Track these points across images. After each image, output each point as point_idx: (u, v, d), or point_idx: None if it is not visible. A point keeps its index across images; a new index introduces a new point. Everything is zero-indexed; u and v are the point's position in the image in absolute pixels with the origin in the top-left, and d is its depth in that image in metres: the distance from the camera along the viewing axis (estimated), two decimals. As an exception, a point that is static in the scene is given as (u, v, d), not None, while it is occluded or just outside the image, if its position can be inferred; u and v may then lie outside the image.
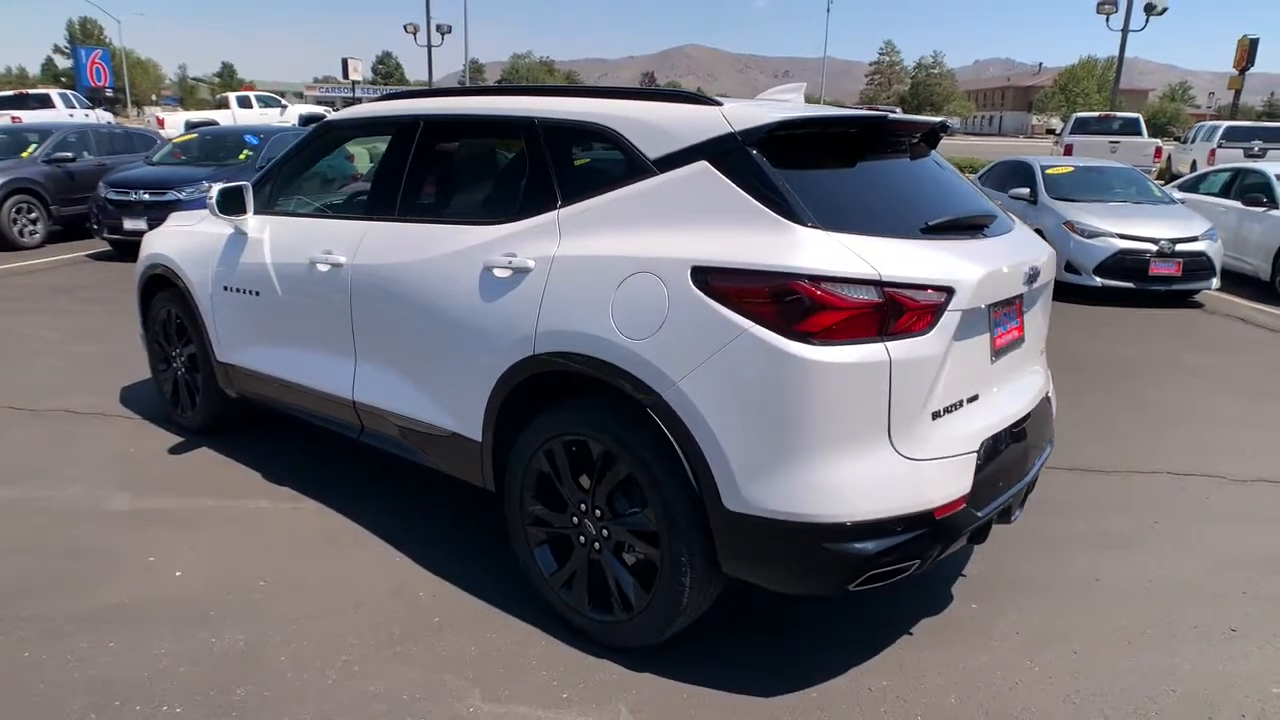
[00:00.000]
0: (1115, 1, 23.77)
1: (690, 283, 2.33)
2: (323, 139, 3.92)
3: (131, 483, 3.93)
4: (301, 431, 4.51)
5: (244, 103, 30.27)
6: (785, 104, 3.06)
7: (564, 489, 2.73)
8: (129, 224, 9.47)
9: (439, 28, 34.27)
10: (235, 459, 4.23)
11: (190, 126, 14.34)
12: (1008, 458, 2.62)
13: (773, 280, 2.23)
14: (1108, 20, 24.33)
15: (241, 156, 10.43)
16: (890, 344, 2.24)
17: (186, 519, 3.60)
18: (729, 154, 2.45)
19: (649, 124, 2.62)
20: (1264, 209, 9.69)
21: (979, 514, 2.46)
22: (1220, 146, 19.66)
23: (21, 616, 2.85)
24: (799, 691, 2.54)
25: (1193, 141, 22.18)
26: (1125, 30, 24.13)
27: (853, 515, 2.24)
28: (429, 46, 33.94)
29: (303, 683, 2.53)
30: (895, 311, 2.24)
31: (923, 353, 2.29)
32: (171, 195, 9.41)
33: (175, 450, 4.34)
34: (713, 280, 2.30)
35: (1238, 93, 26.73)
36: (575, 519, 2.73)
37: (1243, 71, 25.14)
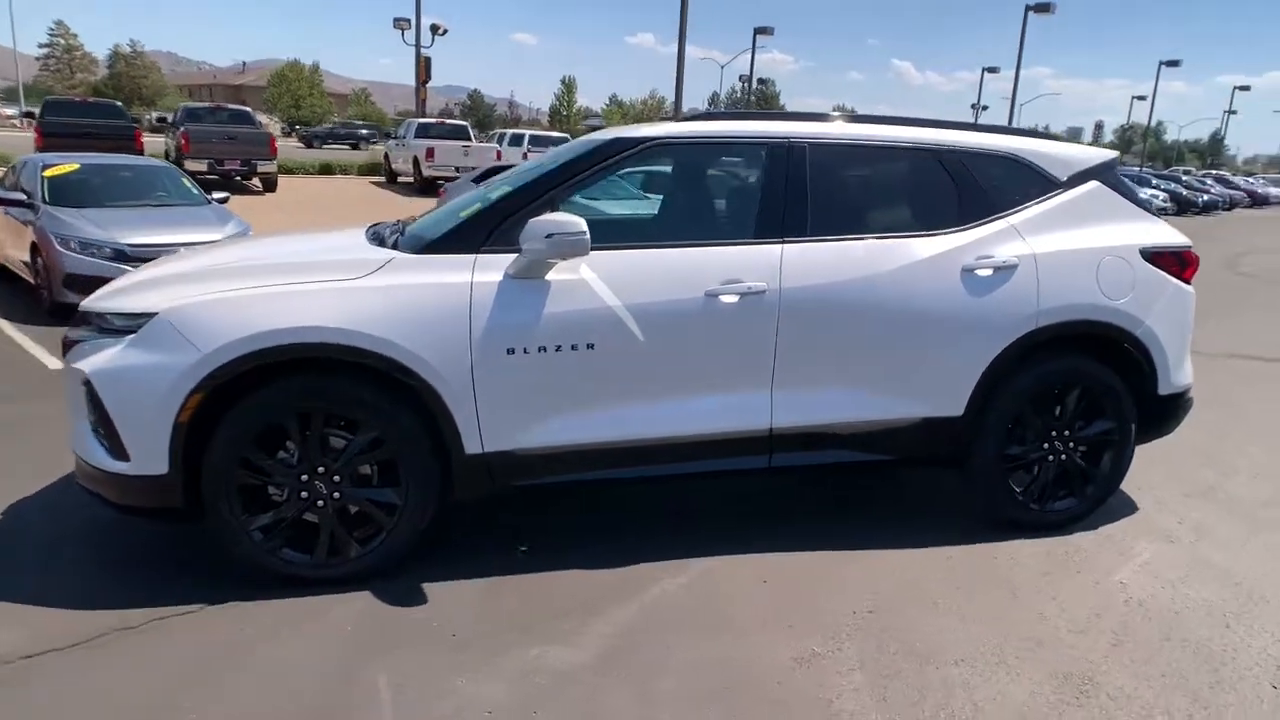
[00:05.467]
0: (409, 20, 26.84)
1: (1142, 259, 3.65)
2: (635, 159, 3.36)
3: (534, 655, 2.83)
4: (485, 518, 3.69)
5: None
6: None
7: (1039, 423, 3.66)
8: None
9: None
10: (512, 573, 3.27)
11: None
12: None
13: (1178, 252, 3.75)
14: (404, 35, 27.29)
15: None
16: None
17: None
18: (1107, 175, 3.79)
19: (1052, 155, 3.72)
20: None
21: None
22: (529, 150, 24.86)
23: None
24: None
25: (404, 139, 23.14)
26: (418, 45, 27.44)
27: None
28: None
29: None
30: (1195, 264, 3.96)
31: None
32: None
33: (416, 602, 3.05)
34: (1155, 256, 3.68)
35: (423, 101, 31.89)
36: (1046, 444, 3.69)
37: (424, 84, 30.04)
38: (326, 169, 26.16)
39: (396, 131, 25.55)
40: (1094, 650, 2.88)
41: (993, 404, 3.57)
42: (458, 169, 22.07)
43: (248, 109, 21.70)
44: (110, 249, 7.45)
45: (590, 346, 3.16)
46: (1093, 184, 3.76)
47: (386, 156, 25.12)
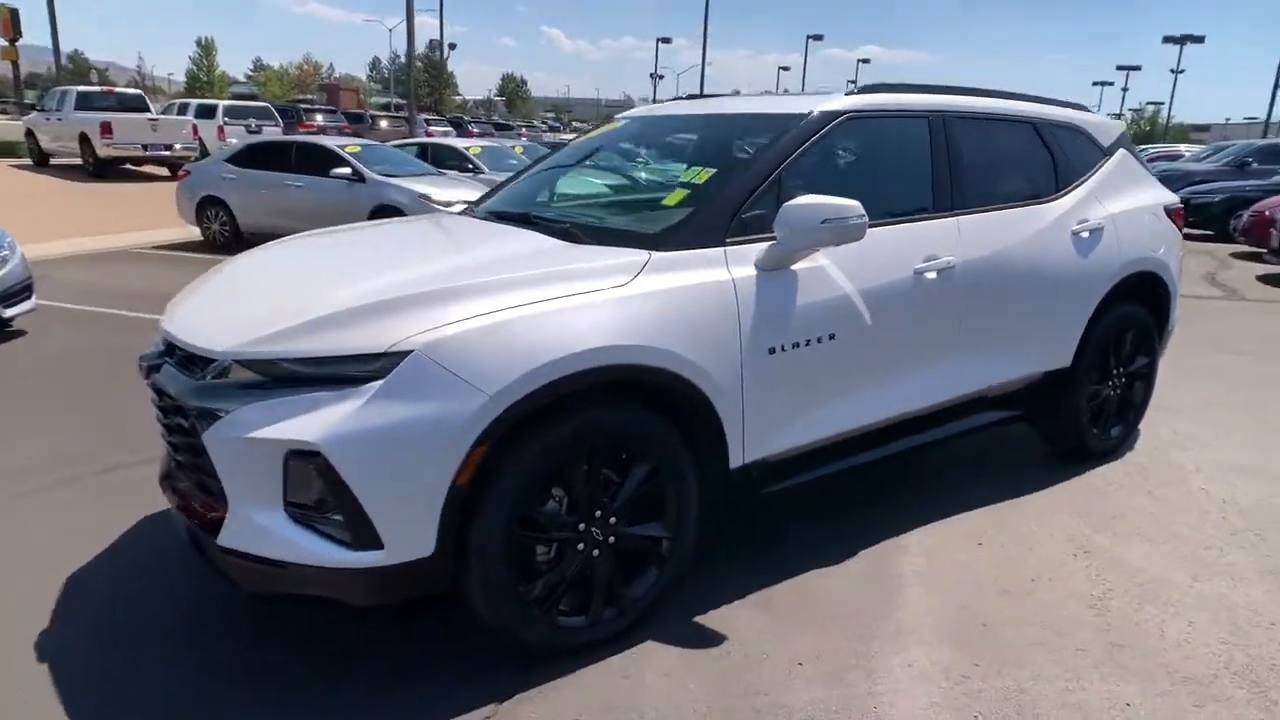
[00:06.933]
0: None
1: (1165, 214, 4.31)
2: (836, 133, 3.19)
3: None
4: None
5: None
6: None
7: (1108, 363, 4.18)
8: None
9: None
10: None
11: None
12: None
13: (1177, 208, 4.47)
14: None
15: None
16: None
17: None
18: (1127, 144, 4.38)
19: (1098, 125, 4.24)
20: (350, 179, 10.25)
21: None
22: (226, 124, 21.83)
23: None
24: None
25: (60, 111, 19.08)
26: (53, 14, 22.60)
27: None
28: None
29: None
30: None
31: None
32: None
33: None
34: (1171, 212, 4.36)
35: (15, 64, 26.53)
36: (1110, 380, 4.24)
37: (13, 43, 25.06)
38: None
39: (44, 103, 20.80)
40: (1258, 547, 3.44)
41: (1087, 351, 4.01)
42: (146, 146, 18.75)
43: None
44: None
45: (832, 337, 3.02)
46: (1122, 151, 4.34)
47: (31, 134, 20.33)
